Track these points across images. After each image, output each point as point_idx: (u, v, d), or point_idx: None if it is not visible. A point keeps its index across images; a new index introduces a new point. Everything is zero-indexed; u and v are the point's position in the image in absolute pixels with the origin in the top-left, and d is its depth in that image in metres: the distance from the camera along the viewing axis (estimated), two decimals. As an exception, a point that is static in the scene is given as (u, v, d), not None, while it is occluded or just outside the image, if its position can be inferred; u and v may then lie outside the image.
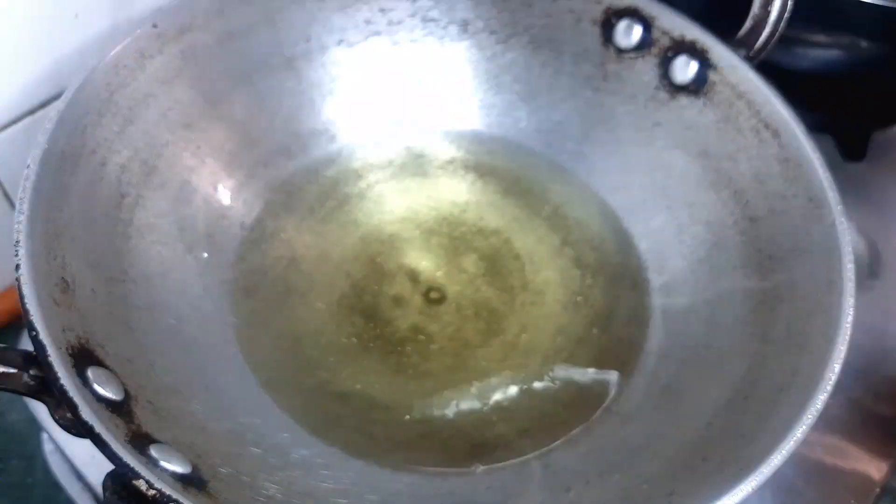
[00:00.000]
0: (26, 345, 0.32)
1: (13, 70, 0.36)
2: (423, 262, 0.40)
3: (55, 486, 0.36)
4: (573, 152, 0.42)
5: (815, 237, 0.33)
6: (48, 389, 0.25)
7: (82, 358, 0.27)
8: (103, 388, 0.26)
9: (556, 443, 0.34)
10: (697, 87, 0.38)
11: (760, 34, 0.37)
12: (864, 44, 0.43)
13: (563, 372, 0.35)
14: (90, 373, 0.26)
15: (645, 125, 0.40)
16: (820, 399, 0.28)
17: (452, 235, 0.41)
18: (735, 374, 0.32)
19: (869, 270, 0.43)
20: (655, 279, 0.39)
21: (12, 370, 0.25)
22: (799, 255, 0.33)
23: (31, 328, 0.25)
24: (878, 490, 0.37)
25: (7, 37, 0.35)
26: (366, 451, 0.33)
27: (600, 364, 0.36)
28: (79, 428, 0.24)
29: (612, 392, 0.35)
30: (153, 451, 0.26)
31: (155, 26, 0.35)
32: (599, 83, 0.41)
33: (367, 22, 0.41)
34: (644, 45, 0.39)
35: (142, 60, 0.35)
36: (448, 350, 0.37)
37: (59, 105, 0.31)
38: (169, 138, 0.36)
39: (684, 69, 0.38)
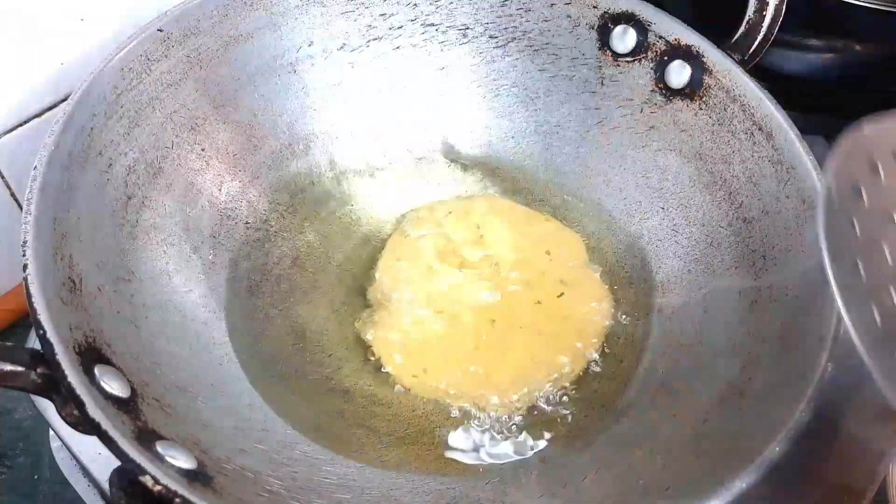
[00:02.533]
0: (34, 343, 0.32)
1: (20, 72, 0.37)
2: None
3: (62, 483, 0.36)
4: (570, 154, 0.43)
5: (808, 238, 0.33)
6: (55, 387, 0.26)
7: (89, 356, 0.27)
8: (110, 386, 0.27)
9: (554, 438, 0.34)
10: (692, 90, 0.39)
11: (755, 38, 0.38)
12: (856, 47, 0.43)
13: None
14: (97, 370, 0.27)
15: (641, 128, 0.41)
16: (812, 396, 0.28)
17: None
18: (729, 372, 0.33)
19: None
20: (651, 278, 0.39)
21: (20, 368, 0.25)
22: (792, 256, 0.34)
23: (39, 327, 0.26)
24: (870, 487, 0.37)
25: (14, 40, 0.35)
26: (367, 446, 0.33)
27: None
28: (86, 425, 0.25)
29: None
30: (159, 448, 0.26)
31: (160, 30, 0.35)
32: (596, 87, 0.41)
33: (369, 27, 0.41)
34: (640, 50, 0.40)
35: (148, 64, 0.35)
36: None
37: (65, 107, 0.31)
38: (174, 140, 0.36)
39: (679, 73, 0.39)
